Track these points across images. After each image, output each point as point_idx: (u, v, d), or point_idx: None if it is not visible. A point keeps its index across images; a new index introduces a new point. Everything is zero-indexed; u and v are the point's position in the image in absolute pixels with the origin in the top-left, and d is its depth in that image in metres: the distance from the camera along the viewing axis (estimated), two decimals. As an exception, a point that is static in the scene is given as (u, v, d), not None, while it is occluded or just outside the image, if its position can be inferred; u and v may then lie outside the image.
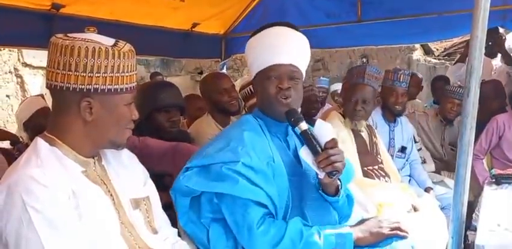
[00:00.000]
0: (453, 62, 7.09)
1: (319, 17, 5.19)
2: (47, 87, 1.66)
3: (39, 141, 1.64)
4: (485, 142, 4.41)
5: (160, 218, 1.92)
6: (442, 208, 3.71)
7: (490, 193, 3.30)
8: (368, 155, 3.39)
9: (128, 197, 1.77)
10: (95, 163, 1.72)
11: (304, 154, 1.99)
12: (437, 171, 4.58)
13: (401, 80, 3.97)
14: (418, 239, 2.29)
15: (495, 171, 3.67)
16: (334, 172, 1.93)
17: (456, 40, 8.72)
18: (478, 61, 1.87)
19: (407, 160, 4.13)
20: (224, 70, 5.93)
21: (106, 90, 1.61)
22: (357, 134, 3.40)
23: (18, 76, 8.66)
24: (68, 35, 1.63)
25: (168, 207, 2.09)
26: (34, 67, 8.72)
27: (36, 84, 8.73)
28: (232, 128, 2.20)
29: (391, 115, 4.05)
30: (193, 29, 5.26)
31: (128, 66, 1.64)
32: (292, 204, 2.04)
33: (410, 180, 4.06)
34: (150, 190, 1.90)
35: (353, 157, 3.13)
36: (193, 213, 2.05)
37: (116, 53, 1.61)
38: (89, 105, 1.61)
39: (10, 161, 2.72)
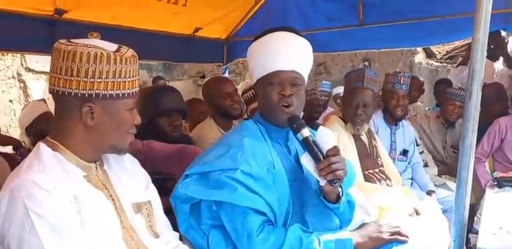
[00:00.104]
0: (455, 65, 7.11)
1: (321, 20, 5.19)
2: (50, 92, 1.67)
3: (42, 146, 1.65)
4: (487, 144, 4.41)
5: (162, 222, 1.92)
6: (444, 211, 3.70)
7: (492, 195, 3.30)
8: (368, 159, 3.39)
9: (129, 202, 1.77)
10: (96, 167, 1.73)
11: (306, 161, 1.98)
12: (439, 175, 4.57)
13: (401, 82, 3.97)
14: (419, 243, 2.28)
15: (497, 174, 3.67)
16: (336, 180, 1.92)
17: (458, 43, 8.72)
18: (480, 64, 1.88)
19: (409, 163, 4.12)
20: (226, 74, 5.93)
21: (108, 95, 1.62)
22: (357, 138, 3.40)
23: (21, 81, 8.68)
24: (71, 40, 1.64)
25: (170, 211, 2.09)
26: (37, 72, 8.73)
27: (39, 89, 8.74)
28: (232, 134, 2.19)
29: (392, 118, 4.05)
30: (195, 34, 5.26)
31: (130, 71, 1.65)
32: (293, 210, 2.04)
33: (412, 183, 4.06)
34: (152, 194, 1.90)
35: (354, 161, 3.13)
36: (194, 219, 2.04)
37: (118, 59, 1.61)
38: (90, 110, 1.62)
39: (13, 166, 2.72)
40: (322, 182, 1.95)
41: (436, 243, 2.90)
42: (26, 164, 1.60)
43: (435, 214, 3.40)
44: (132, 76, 1.67)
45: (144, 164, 1.98)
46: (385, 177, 3.39)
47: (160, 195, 1.95)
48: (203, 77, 11.06)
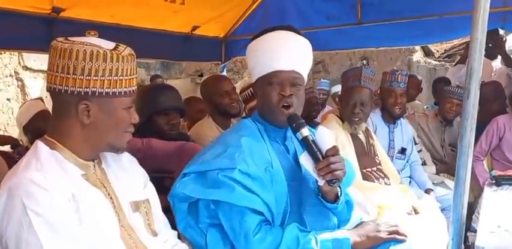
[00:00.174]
0: (453, 64, 7.10)
1: (319, 19, 5.19)
2: (47, 90, 1.67)
3: (40, 144, 1.65)
4: (486, 143, 4.42)
5: (160, 220, 1.92)
6: (443, 209, 3.71)
7: (490, 194, 3.30)
8: (366, 157, 3.39)
9: (127, 200, 1.76)
10: (94, 166, 1.72)
11: (305, 160, 1.97)
12: (437, 173, 4.57)
13: (399, 80, 3.98)
14: (417, 241, 2.28)
15: (495, 172, 3.67)
16: (334, 180, 1.91)
17: (456, 42, 8.73)
18: (478, 62, 1.88)
19: (407, 162, 4.13)
20: (224, 73, 5.94)
21: (104, 93, 1.61)
22: (354, 136, 3.40)
23: (19, 79, 8.66)
24: (69, 38, 1.63)
25: (168, 210, 2.09)
26: (34, 71, 8.72)
27: (37, 87, 8.73)
28: (230, 133, 2.18)
29: (390, 117, 4.05)
30: (193, 32, 5.27)
31: (127, 69, 1.64)
32: (291, 209, 2.03)
33: (410, 181, 4.06)
34: (150, 193, 1.90)
35: (352, 160, 3.13)
36: (192, 218, 2.04)
37: (115, 57, 1.61)
38: (86, 108, 1.62)
39: (10, 164, 2.72)
40: (321, 182, 1.95)
41: (435, 241, 2.90)
42: (24, 162, 1.60)
43: (433, 213, 3.41)
44: (130, 75, 1.66)
45: (144, 162, 1.98)
46: (383, 175, 3.39)
47: (158, 193, 1.95)
48: (201, 75, 11.05)
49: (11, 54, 8.30)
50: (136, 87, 1.72)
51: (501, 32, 5.51)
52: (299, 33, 2.16)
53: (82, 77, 1.58)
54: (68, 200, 1.54)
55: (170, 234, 1.98)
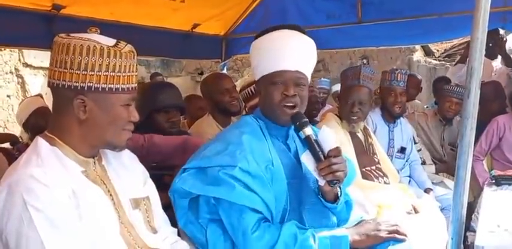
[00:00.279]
0: (453, 63, 7.10)
1: (319, 18, 5.19)
2: (48, 85, 1.67)
3: (40, 141, 1.65)
4: (486, 143, 4.42)
5: (160, 217, 1.92)
6: (442, 209, 3.71)
7: (489, 194, 3.30)
8: (365, 156, 3.39)
9: (127, 197, 1.76)
10: (95, 163, 1.72)
11: (306, 159, 1.97)
12: (437, 172, 4.58)
13: (398, 79, 3.98)
14: (417, 241, 2.28)
15: (495, 172, 3.67)
16: (335, 181, 1.91)
17: (456, 41, 8.73)
18: (479, 62, 1.88)
19: (407, 161, 4.13)
20: (224, 71, 5.93)
21: (100, 89, 1.61)
22: (353, 135, 3.40)
23: (19, 76, 8.66)
24: (70, 34, 1.63)
25: (168, 207, 2.09)
26: (35, 68, 8.71)
27: (37, 84, 8.73)
28: (231, 130, 2.17)
29: (390, 116, 4.05)
30: (193, 30, 5.25)
31: (125, 66, 1.64)
32: (291, 207, 2.03)
33: (410, 181, 4.06)
34: (150, 190, 1.90)
35: (351, 159, 3.12)
36: (192, 214, 2.04)
37: (112, 52, 1.61)
38: (82, 103, 1.61)
39: (10, 161, 2.72)
40: (322, 182, 1.95)
41: (434, 241, 2.90)
42: (24, 158, 1.60)
43: (433, 212, 3.41)
44: (129, 71, 1.65)
45: (147, 158, 1.98)
46: (382, 174, 3.39)
47: (158, 191, 1.95)
48: (201, 73, 11.05)
49: (11, 51, 8.30)
50: (136, 84, 1.71)
51: (501, 31, 5.51)
52: (304, 32, 2.15)
53: (78, 72, 1.58)
54: (68, 196, 1.54)
55: (170, 232, 1.98)
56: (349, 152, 3.19)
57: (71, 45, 1.58)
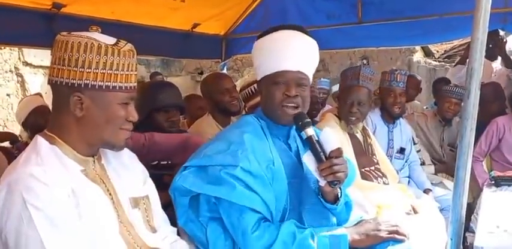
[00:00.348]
0: (453, 64, 7.10)
1: (319, 18, 5.18)
2: (48, 83, 1.67)
3: (39, 139, 1.64)
4: (485, 144, 4.42)
5: (160, 217, 1.92)
6: (441, 210, 3.71)
7: (489, 194, 3.31)
8: (364, 157, 3.39)
9: (127, 196, 1.76)
10: (94, 162, 1.72)
11: (307, 159, 1.97)
12: (436, 173, 4.58)
13: (398, 80, 3.98)
14: (416, 241, 2.28)
15: (494, 173, 3.68)
16: (336, 182, 1.91)
17: (456, 42, 8.73)
18: (479, 63, 1.88)
19: (406, 161, 4.13)
20: (224, 71, 5.93)
21: (97, 86, 1.61)
22: (352, 135, 3.40)
23: (19, 75, 8.65)
24: (72, 32, 1.64)
25: (168, 206, 2.09)
26: (35, 67, 8.70)
27: (37, 83, 8.72)
28: (233, 129, 2.16)
29: (390, 116, 4.05)
30: (193, 30, 5.25)
31: (123, 64, 1.64)
32: (290, 207, 2.03)
33: (409, 181, 4.06)
34: (150, 189, 1.90)
35: (351, 159, 3.13)
36: (192, 212, 2.04)
37: (110, 50, 1.61)
38: (79, 101, 1.61)
39: (10, 160, 2.72)
40: (322, 183, 1.94)
41: (433, 241, 2.90)
42: (24, 157, 1.60)
43: (432, 213, 3.41)
44: (127, 70, 1.65)
45: (148, 157, 1.98)
46: (381, 175, 3.39)
47: (158, 190, 1.95)
48: (201, 73, 11.05)
49: (11, 49, 8.29)
50: (135, 83, 1.71)
51: (501, 32, 5.50)
52: (306, 33, 2.15)
53: (76, 69, 1.58)
54: (67, 195, 1.54)
55: (169, 231, 1.98)
56: (348, 152, 3.19)
57: (69, 42, 1.59)
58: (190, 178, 1.98)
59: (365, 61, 9.33)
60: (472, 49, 1.89)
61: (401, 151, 4.07)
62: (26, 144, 2.13)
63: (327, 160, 1.91)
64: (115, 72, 1.62)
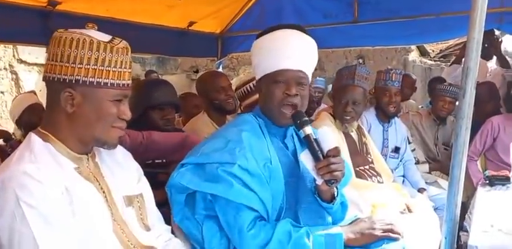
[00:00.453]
0: (449, 64, 7.12)
1: (315, 17, 5.17)
2: (43, 79, 1.66)
3: (33, 137, 1.64)
4: (480, 143, 4.43)
5: (154, 215, 1.92)
6: (436, 209, 3.72)
7: (483, 194, 3.31)
8: (358, 156, 3.39)
9: (120, 194, 1.76)
10: (88, 159, 1.72)
11: (305, 158, 1.97)
12: (430, 171, 4.59)
13: (393, 79, 3.97)
14: (410, 240, 2.29)
15: (489, 172, 3.68)
16: (333, 181, 1.91)
17: (452, 42, 8.75)
18: (474, 62, 1.88)
19: (401, 161, 4.13)
20: (220, 69, 5.92)
21: (88, 82, 1.60)
22: (347, 135, 3.40)
23: (13, 72, 8.61)
24: (68, 30, 1.63)
25: (163, 204, 2.08)
26: (29, 64, 8.67)
27: (31, 80, 8.68)
28: (231, 127, 2.16)
29: (385, 116, 4.05)
30: (189, 28, 5.24)
31: (116, 61, 1.63)
32: (287, 206, 2.03)
33: (404, 181, 4.07)
34: (144, 187, 1.90)
35: (345, 158, 3.13)
36: (188, 209, 2.04)
37: (102, 46, 1.60)
38: (70, 96, 1.60)
39: (3, 157, 2.71)
40: (319, 181, 1.94)
41: (427, 240, 2.91)
42: (17, 155, 1.59)
43: (426, 212, 3.41)
44: (120, 67, 1.65)
45: (144, 155, 1.97)
46: (376, 173, 3.39)
47: (152, 188, 1.95)
48: (197, 72, 11.03)
49: (5, 46, 8.25)
50: (129, 81, 1.70)
51: (497, 32, 5.52)
52: (305, 32, 2.16)
53: (68, 64, 1.58)
54: (61, 192, 1.54)
55: (163, 229, 1.98)
56: (343, 151, 3.18)
57: (63, 38, 1.59)
58: (188, 175, 1.98)
59: (361, 61, 9.33)
60: (468, 49, 1.89)
61: (396, 150, 4.07)
62: (20, 142, 2.11)
63: (325, 158, 1.92)
64: (107, 69, 1.62)
